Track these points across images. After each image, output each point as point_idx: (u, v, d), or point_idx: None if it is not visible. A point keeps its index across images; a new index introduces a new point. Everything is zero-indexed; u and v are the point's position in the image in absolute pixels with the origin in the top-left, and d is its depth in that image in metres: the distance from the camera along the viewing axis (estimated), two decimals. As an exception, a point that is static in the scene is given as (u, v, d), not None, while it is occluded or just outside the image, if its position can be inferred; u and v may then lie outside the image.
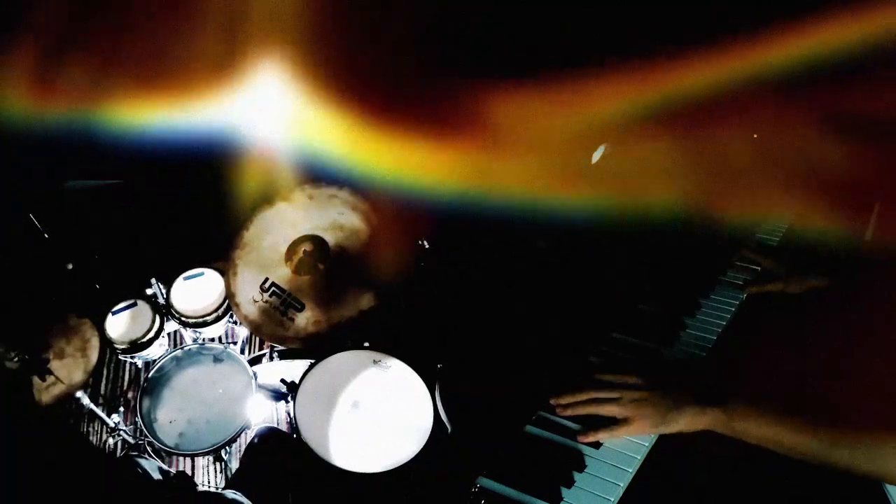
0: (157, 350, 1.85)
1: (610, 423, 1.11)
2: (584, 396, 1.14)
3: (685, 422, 1.05)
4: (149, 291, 1.89)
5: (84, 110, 1.75)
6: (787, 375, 1.34)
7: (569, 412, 1.15)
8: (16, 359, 1.53)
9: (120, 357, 1.83)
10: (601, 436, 1.10)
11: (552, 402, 1.18)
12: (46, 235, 1.80)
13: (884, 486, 1.12)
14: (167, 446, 1.68)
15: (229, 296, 1.67)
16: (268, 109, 1.86)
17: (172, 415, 1.74)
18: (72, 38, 1.65)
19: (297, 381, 1.45)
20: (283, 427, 1.94)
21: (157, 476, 1.19)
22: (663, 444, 1.16)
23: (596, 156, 1.65)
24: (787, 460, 1.11)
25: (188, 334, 1.93)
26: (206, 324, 1.80)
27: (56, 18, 1.62)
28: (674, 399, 1.07)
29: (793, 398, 1.31)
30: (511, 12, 1.85)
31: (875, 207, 1.59)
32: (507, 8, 1.85)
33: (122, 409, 2.04)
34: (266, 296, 1.62)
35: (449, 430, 1.25)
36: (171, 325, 1.88)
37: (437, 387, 1.33)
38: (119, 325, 1.80)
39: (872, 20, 1.46)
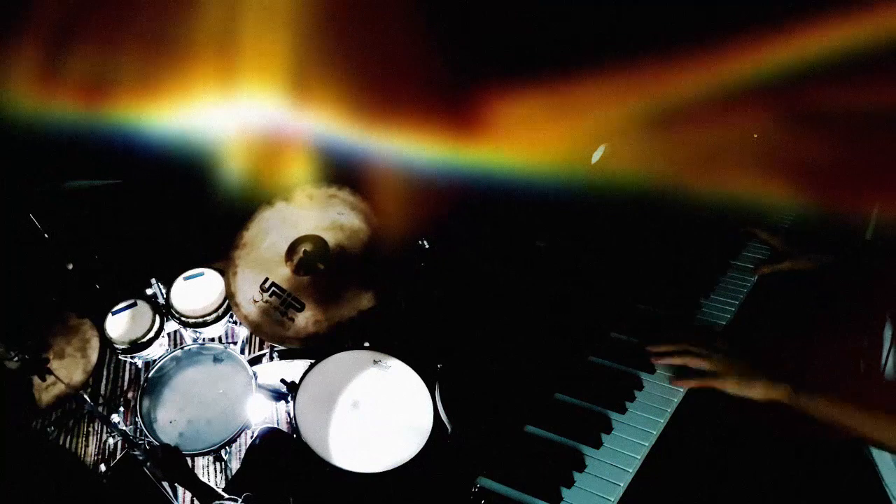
0: (157, 350, 1.85)
1: (698, 374, 1.23)
2: (679, 347, 1.27)
3: (760, 390, 1.17)
4: (149, 291, 1.89)
5: (85, 109, 1.75)
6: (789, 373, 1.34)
7: (664, 360, 1.28)
8: (16, 359, 1.53)
9: (120, 357, 1.83)
10: (693, 383, 1.23)
11: (648, 348, 1.31)
12: (46, 235, 1.80)
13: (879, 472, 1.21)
14: (167, 446, 1.68)
15: (229, 296, 1.67)
16: (268, 107, 1.86)
17: (172, 415, 1.74)
18: (72, 36, 1.65)
19: (297, 381, 1.45)
20: (283, 427, 1.94)
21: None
22: (662, 445, 1.16)
23: (596, 156, 1.65)
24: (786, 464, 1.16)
25: (188, 334, 1.93)
26: (206, 324, 1.80)
27: (57, 16, 1.62)
28: (752, 368, 1.20)
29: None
30: (514, 13, 1.85)
31: (875, 206, 1.59)
32: (510, 8, 1.85)
33: (122, 409, 2.04)
34: (266, 296, 1.62)
35: (449, 430, 1.25)
36: (171, 325, 1.88)
37: (437, 387, 1.33)
38: (119, 325, 1.80)
39: (871, 19, 1.46)
